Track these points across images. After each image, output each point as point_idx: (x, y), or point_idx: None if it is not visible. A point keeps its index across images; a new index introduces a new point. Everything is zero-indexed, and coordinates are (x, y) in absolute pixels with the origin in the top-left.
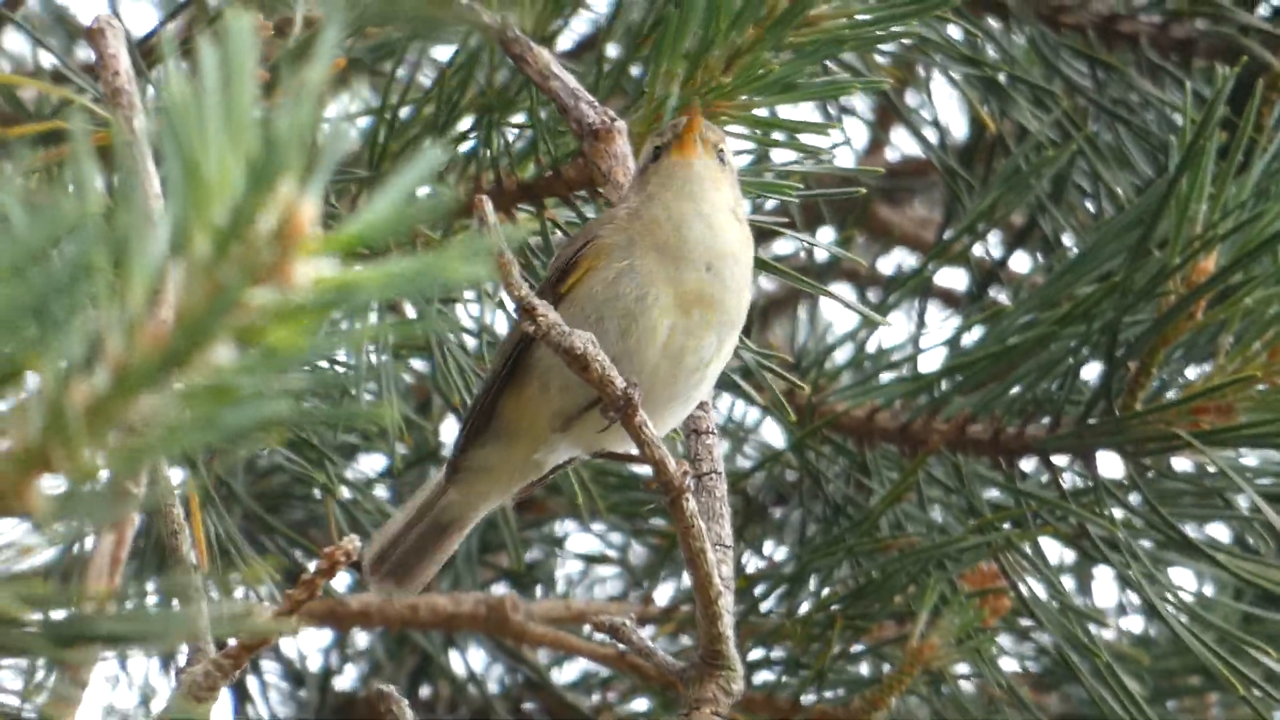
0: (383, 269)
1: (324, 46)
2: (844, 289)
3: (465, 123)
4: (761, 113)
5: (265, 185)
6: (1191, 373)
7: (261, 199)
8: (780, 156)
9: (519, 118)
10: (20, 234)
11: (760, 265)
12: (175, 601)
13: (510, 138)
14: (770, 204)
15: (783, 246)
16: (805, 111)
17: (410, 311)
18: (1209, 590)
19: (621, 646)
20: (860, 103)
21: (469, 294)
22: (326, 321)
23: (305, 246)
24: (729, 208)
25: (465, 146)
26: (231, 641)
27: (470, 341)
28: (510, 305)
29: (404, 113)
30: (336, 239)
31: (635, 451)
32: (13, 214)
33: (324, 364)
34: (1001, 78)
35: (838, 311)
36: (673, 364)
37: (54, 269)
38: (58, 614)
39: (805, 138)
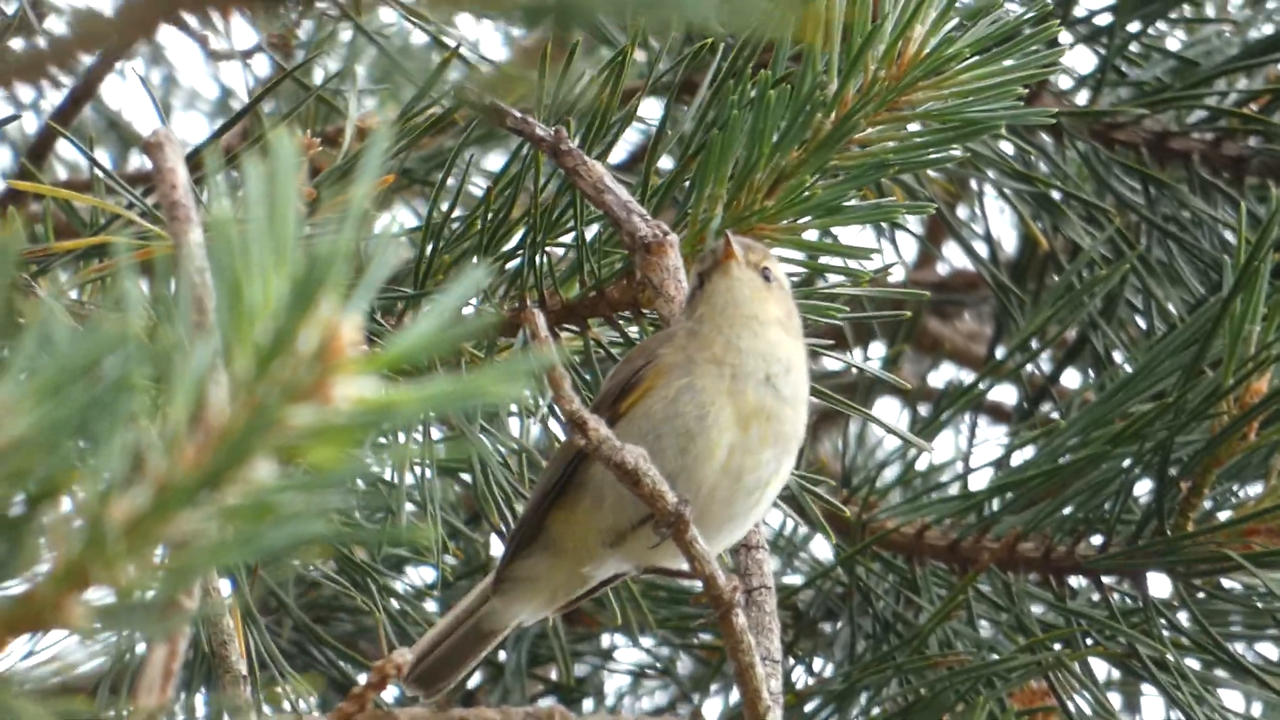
0: (422, 389)
1: (370, 161)
2: (892, 405)
3: (511, 240)
4: (810, 235)
5: (306, 304)
6: (1243, 494)
7: (302, 318)
8: (830, 275)
9: (565, 237)
10: (62, 351)
11: None
12: (225, 716)
13: (555, 256)
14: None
15: (831, 362)
16: (854, 232)
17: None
18: (1257, 711)
19: None
20: (911, 217)
21: (514, 410)
22: (369, 440)
23: (346, 366)
24: (778, 321)
25: (510, 264)
26: None
27: (513, 459)
28: (562, 419)
29: (452, 228)
30: (377, 359)
31: (685, 567)
32: (56, 331)
33: (367, 482)
34: (1054, 194)
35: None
36: (731, 483)
37: (96, 386)
38: None
39: (852, 259)
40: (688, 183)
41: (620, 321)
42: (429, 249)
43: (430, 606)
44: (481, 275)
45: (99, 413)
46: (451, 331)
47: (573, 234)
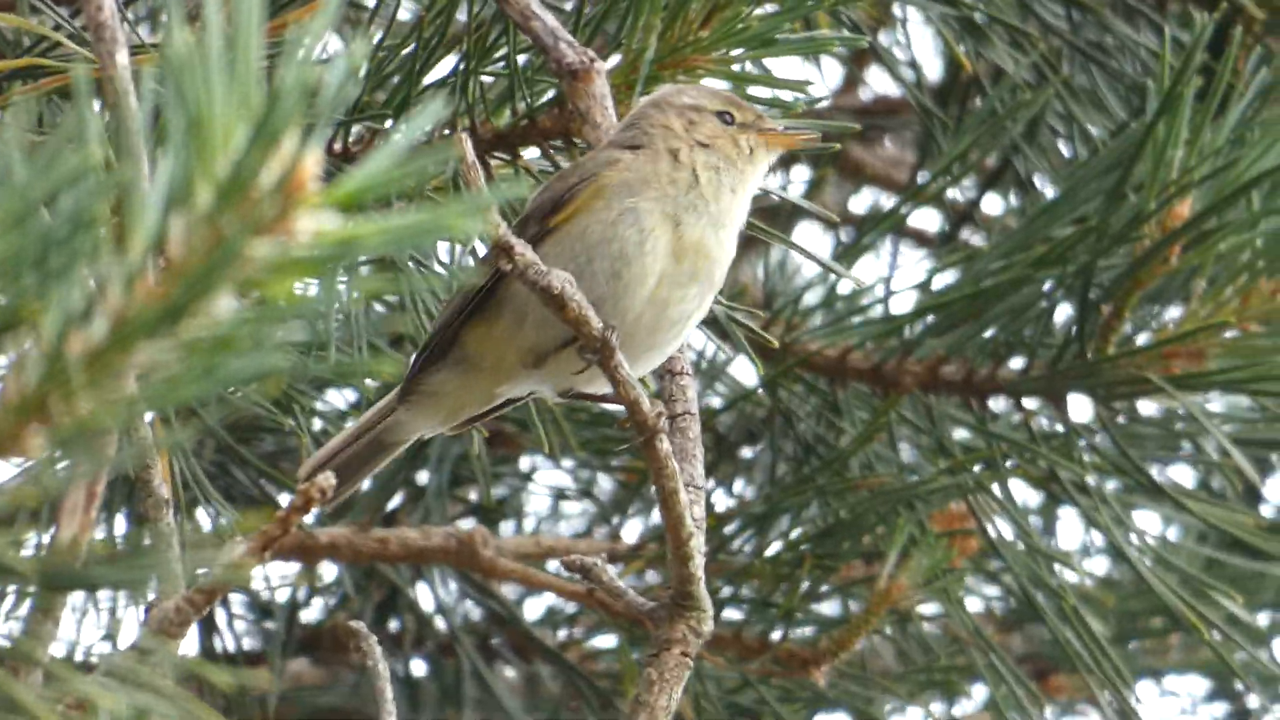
0: (384, 223)
1: None
2: (815, 231)
3: (442, 67)
4: (738, 67)
5: (269, 140)
6: (1164, 318)
7: (265, 153)
8: (759, 107)
9: (497, 65)
10: (20, 184)
11: None
12: (147, 540)
13: (486, 84)
14: None
15: None
16: (785, 62)
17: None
18: (1173, 534)
19: (592, 585)
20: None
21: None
22: (330, 273)
23: (307, 200)
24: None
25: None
26: (203, 571)
27: (436, 280)
28: (486, 241)
29: (383, 55)
30: (339, 193)
31: (605, 392)
32: (14, 162)
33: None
34: (978, 17)
35: (812, 246)
36: (657, 313)
37: (54, 219)
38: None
39: (784, 90)
40: (621, 13)
41: (551, 150)
42: (362, 73)
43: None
44: (439, 106)
45: (59, 245)
46: (408, 165)
47: (504, 62)
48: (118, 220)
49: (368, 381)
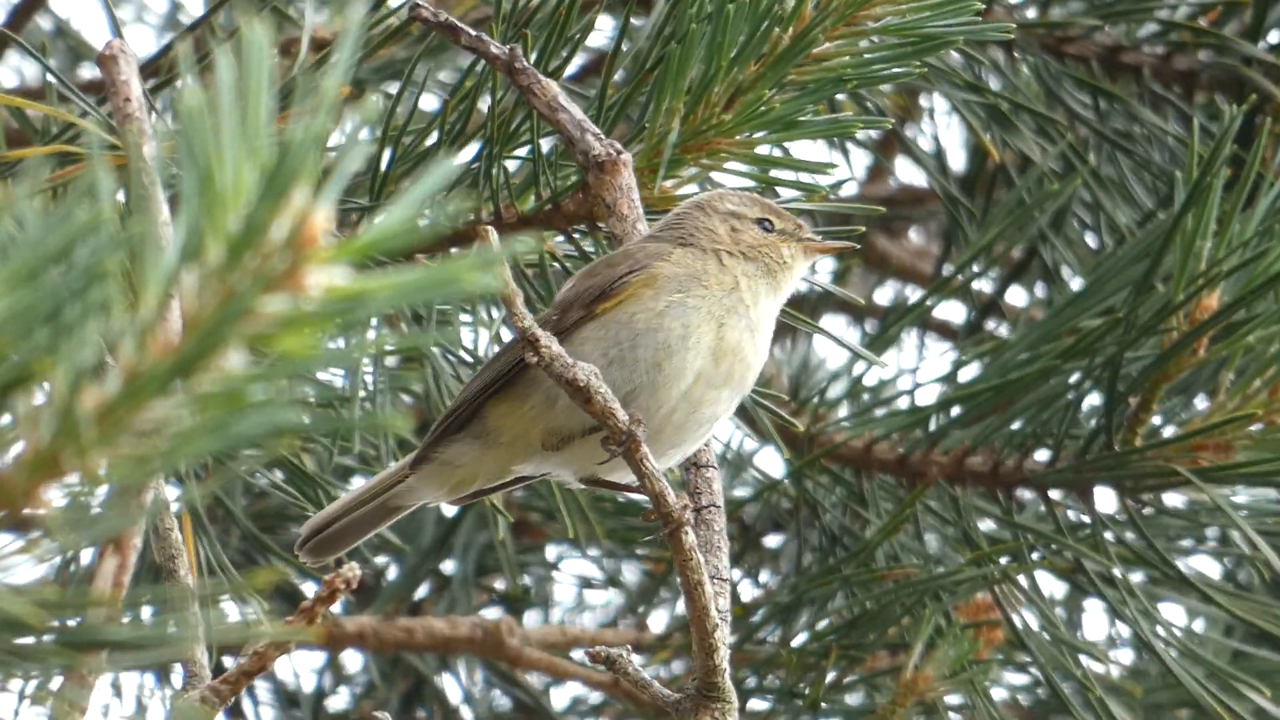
0: (395, 278)
1: (340, 59)
2: (840, 321)
3: (468, 153)
4: (763, 150)
5: (279, 193)
6: (1191, 411)
7: (275, 207)
8: (782, 192)
9: (521, 150)
10: (33, 240)
11: None
12: (172, 616)
13: (511, 169)
14: None
15: None
16: (808, 147)
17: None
18: (1199, 627)
19: (617, 676)
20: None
21: (465, 317)
22: (337, 331)
23: (317, 255)
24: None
25: (467, 175)
26: (229, 661)
27: (463, 369)
28: (513, 334)
29: (407, 140)
30: (349, 248)
31: (627, 481)
32: (27, 220)
33: (325, 378)
34: (1005, 106)
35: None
36: (689, 411)
37: (67, 274)
38: (66, 622)
39: (806, 174)
40: (644, 97)
41: (575, 235)
42: (385, 160)
43: None
44: (450, 168)
45: (71, 300)
46: (420, 224)
47: (528, 147)
48: (130, 276)
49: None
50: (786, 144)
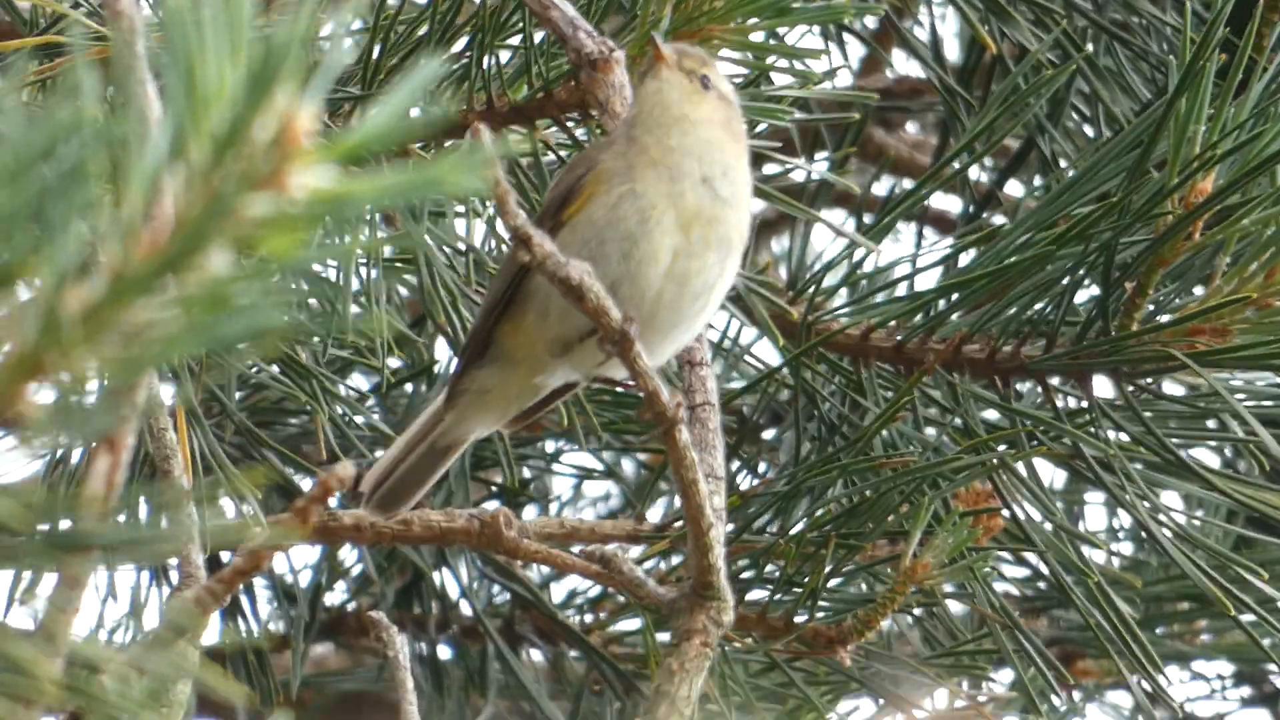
0: (378, 179)
1: None
2: (837, 214)
3: (459, 43)
4: (758, 37)
5: (263, 94)
6: (1189, 299)
7: (259, 107)
8: (776, 79)
9: (513, 39)
10: (17, 139)
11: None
12: (165, 516)
13: (503, 59)
14: (764, 127)
15: (774, 168)
16: (804, 36)
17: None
18: (1199, 515)
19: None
20: (859, 21)
21: (459, 210)
22: (321, 231)
23: (302, 155)
24: (712, 123)
25: (458, 66)
26: (226, 556)
27: (459, 260)
28: (506, 233)
29: (399, 31)
30: (333, 148)
31: (627, 378)
32: (9, 120)
33: (316, 276)
34: None
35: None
36: (677, 288)
37: (50, 174)
38: (56, 523)
39: (800, 62)
40: None
41: (568, 123)
42: (375, 50)
43: (372, 408)
44: (436, 68)
45: (55, 200)
46: (407, 123)
47: (520, 35)
48: (115, 176)
49: (391, 362)
50: (782, 31)
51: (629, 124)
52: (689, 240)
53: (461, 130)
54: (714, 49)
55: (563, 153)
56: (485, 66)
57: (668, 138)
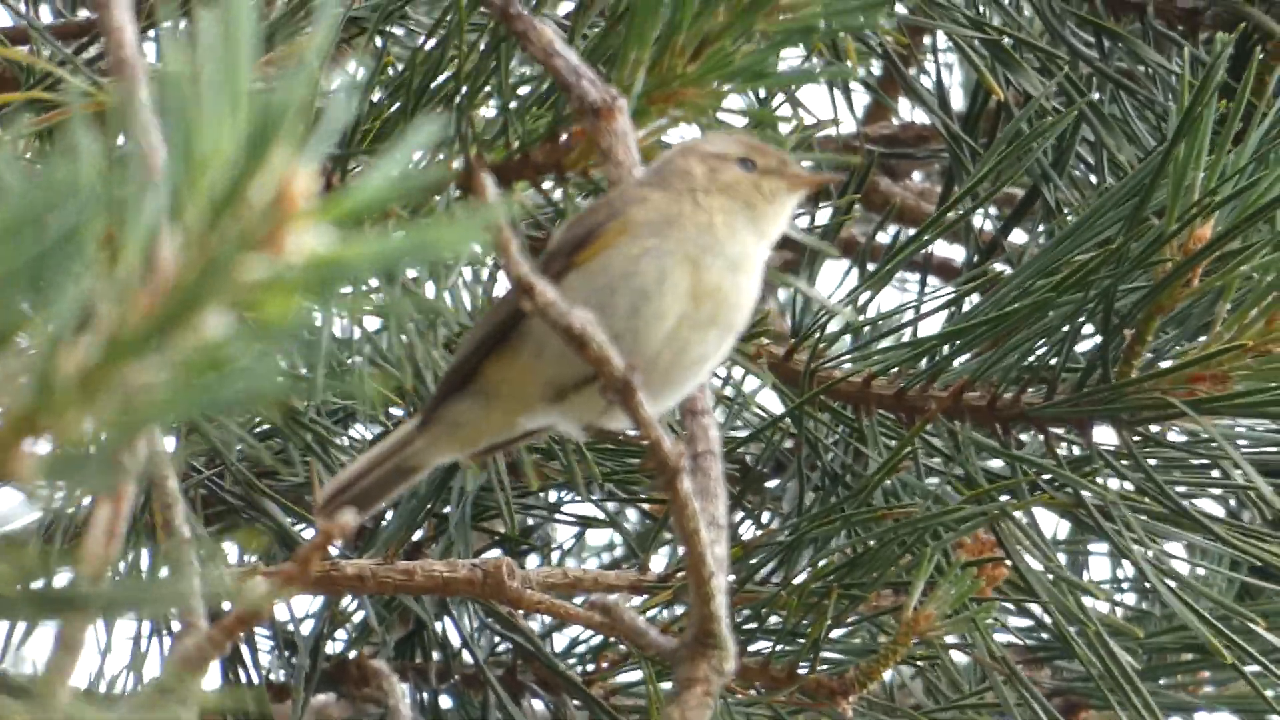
0: (377, 242)
1: (325, 10)
2: (842, 264)
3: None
4: (747, 98)
5: (260, 154)
6: (1189, 346)
7: (256, 168)
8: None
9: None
10: (14, 200)
11: None
12: (167, 571)
13: (480, 119)
14: None
15: None
16: (810, 90)
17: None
18: (1203, 564)
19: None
20: (865, 69)
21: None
22: (322, 293)
23: (299, 217)
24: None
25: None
26: (226, 606)
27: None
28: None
29: (378, 96)
30: (332, 209)
31: (630, 430)
32: (7, 178)
33: (307, 337)
34: (1008, 41)
35: (835, 278)
36: (675, 354)
37: (48, 234)
38: (54, 580)
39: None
40: (611, 49)
41: (543, 186)
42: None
43: None
44: (436, 127)
45: (51, 261)
46: (408, 181)
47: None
48: (113, 237)
49: (393, 411)
50: (792, 89)
51: (689, 187)
52: (697, 312)
53: (440, 190)
54: (689, 111)
55: (538, 214)
56: (463, 129)
57: (727, 215)
